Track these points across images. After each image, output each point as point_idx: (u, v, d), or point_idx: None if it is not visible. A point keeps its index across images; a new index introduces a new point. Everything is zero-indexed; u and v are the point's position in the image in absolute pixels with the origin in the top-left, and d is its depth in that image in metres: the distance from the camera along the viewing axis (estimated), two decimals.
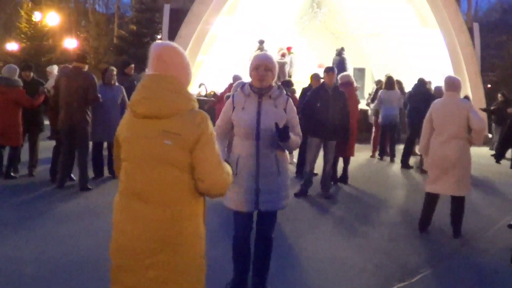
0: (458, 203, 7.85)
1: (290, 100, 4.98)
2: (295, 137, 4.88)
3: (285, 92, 5.00)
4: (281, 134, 4.61)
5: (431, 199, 8.04)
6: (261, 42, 22.44)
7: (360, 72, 25.04)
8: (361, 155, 15.05)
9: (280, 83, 8.53)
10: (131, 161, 3.23)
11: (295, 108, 5.01)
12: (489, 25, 29.51)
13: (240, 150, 4.92)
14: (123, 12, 53.07)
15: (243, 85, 5.00)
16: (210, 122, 3.26)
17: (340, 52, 22.35)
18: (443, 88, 8.15)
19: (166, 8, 23.62)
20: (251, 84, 4.91)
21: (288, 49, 23.39)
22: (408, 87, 18.19)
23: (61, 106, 9.78)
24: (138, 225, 3.16)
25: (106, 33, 43.88)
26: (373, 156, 15.59)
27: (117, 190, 3.34)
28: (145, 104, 3.15)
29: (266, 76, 4.81)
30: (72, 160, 10.10)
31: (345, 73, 12.76)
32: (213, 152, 3.24)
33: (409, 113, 14.19)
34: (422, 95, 13.68)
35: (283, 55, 22.43)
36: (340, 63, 22.12)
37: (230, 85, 14.39)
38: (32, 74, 11.33)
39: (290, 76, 22.84)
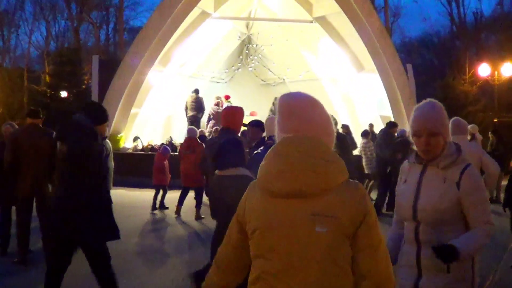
0: None
1: (471, 170, 3.44)
2: (471, 241, 3.28)
3: (465, 158, 3.53)
4: (440, 255, 3.16)
5: None
6: (197, 92, 21.91)
7: None
8: None
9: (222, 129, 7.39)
10: (272, 259, 2.37)
11: (480, 184, 3.44)
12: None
13: (406, 234, 3.63)
14: (30, 66, 51.25)
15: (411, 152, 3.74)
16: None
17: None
18: (449, 131, 7.72)
19: (95, 60, 22.54)
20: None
21: (226, 97, 22.82)
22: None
23: (25, 172, 8.53)
24: None
25: (20, 88, 41.99)
26: None
27: None
28: (286, 178, 2.36)
29: (433, 145, 3.46)
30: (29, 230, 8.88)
31: None
32: (380, 238, 2.45)
33: (381, 161, 13.70)
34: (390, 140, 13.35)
35: (217, 104, 21.82)
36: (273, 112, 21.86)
37: (187, 139, 13.72)
38: None
39: None
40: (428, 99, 3.60)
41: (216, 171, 5.93)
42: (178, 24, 20.37)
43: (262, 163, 2.50)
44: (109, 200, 5.83)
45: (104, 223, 5.68)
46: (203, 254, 8.76)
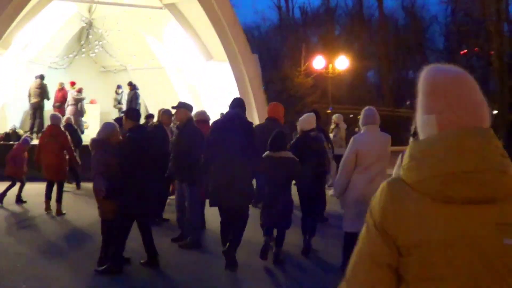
0: None
1: None
2: None
3: None
4: None
5: (352, 238, 7.63)
6: (42, 77, 20.77)
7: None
8: None
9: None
10: (448, 280, 1.90)
11: None
12: None
13: None
14: None
15: None
16: None
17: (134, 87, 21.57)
18: (360, 122, 7.66)
19: None
20: None
21: (72, 83, 21.80)
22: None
23: None
24: None
25: None
26: None
27: None
28: (473, 181, 1.87)
29: None
30: None
31: (200, 110, 12.01)
32: None
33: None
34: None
35: (79, 91, 20.92)
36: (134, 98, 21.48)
37: (49, 127, 12.41)
38: None
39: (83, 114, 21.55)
40: None
41: (269, 153, 8.04)
42: (23, 6, 19.04)
43: (425, 161, 1.96)
44: None
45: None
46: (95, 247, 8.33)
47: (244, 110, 8.20)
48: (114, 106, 23.40)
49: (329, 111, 28.11)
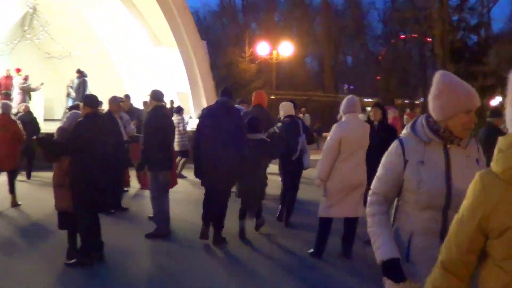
0: (352, 224, 7.76)
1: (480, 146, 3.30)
2: None
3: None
4: None
5: (326, 223, 7.82)
6: None
7: None
8: None
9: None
10: None
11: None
12: None
13: (414, 225, 3.22)
14: None
15: (413, 124, 3.27)
16: None
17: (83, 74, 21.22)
18: (341, 110, 7.82)
19: None
20: (432, 124, 3.15)
21: (17, 70, 21.35)
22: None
23: None
24: None
25: None
26: None
27: None
28: None
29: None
30: None
31: None
32: None
33: None
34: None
35: (26, 79, 20.47)
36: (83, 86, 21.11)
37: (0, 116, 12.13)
38: None
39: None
40: (444, 71, 3.23)
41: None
42: None
43: (509, 152, 2.19)
44: None
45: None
46: (60, 238, 8.04)
47: (232, 98, 8.98)
48: (67, 88, 22.79)
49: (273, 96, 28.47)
